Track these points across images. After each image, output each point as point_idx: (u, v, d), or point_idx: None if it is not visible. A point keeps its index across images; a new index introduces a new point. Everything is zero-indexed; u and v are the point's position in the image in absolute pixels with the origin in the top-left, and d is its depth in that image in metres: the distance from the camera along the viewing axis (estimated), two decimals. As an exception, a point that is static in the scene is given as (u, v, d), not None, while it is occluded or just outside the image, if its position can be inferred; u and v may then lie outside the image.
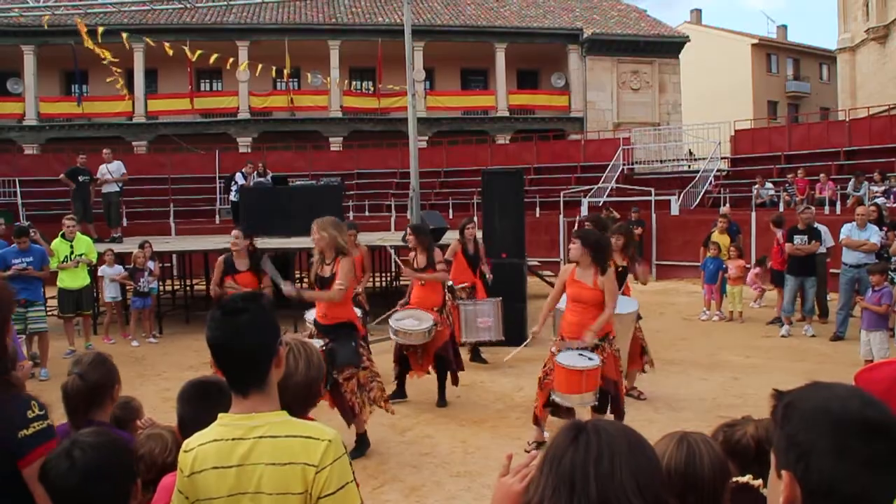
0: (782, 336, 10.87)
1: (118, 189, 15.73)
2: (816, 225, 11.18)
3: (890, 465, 1.25)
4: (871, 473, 1.25)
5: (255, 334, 2.01)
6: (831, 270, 11.86)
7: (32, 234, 9.91)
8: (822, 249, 11.25)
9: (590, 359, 5.64)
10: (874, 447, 1.26)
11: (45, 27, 17.67)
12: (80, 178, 15.23)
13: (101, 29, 16.62)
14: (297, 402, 2.31)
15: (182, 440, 2.13)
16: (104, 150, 16.07)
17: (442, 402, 7.42)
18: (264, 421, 1.97)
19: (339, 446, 1.99)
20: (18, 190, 21.91)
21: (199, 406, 2.35)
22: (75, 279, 10.27)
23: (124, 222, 17.84)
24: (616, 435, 1.40)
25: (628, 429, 1.45)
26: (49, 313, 10.74)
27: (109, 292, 11.57)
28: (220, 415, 2.03)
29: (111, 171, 15.36)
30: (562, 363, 5.59)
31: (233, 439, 1.96)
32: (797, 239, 10.91)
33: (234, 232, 7.52)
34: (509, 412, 7.21)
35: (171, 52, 17.95)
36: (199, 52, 17.92)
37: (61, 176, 15.65)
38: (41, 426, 2.15)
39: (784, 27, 51.25)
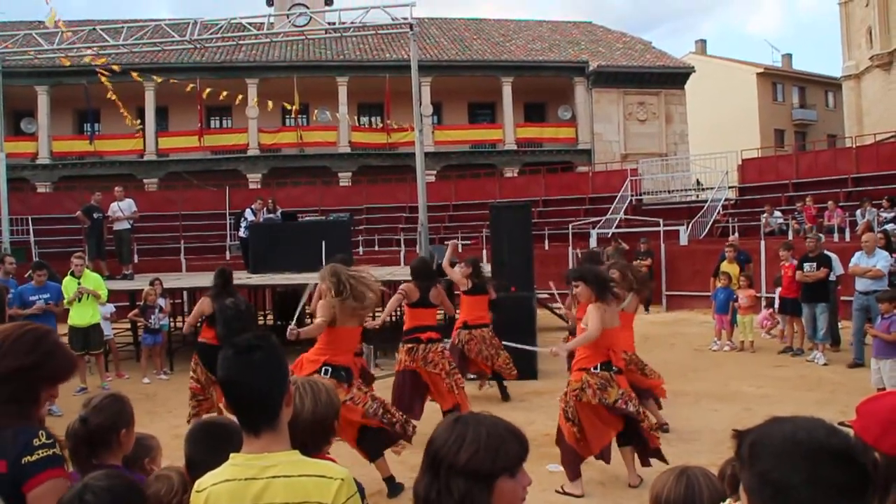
0: (808, 361, 10.87)
1: (130, 226, 15.87)
2: (826, 252, 11.17)
3: (860, 492, 1.30)
4: (846, 501, 1.28)
5: (266, 373, 2.02)
6: (842, 298, 11.83)
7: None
8: (832, 277, 11.22)
9: None
10: (845, 475, 1.30)
11: (66, 66, 17.97)
12: (95, 216, 15.39)
13: (117, 68, 16.91)
14: (310, 441, 2.32)
15: (190, 481, 2.14)
16: (116, 188, 16.25)
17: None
18: (277, 460, 1.98)
19: (352, 485, 2.00)
20: (31, 228, 22.10)
21: (207, 447, 2.36)
22: (83, 316, 10.27)
23: (135, 259, 17.95)
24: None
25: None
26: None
27: (104, 330, 11.47)
28: (231, 455, 2.03)
29: (122, 208, 15.52)
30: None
31: (245, 479, 1.96)
32: (806, 266, 10.90)
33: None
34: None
35: (189, 89, 18.24)
36: (208, 89, 18.13)
37: (77, 213, 15.80)
38: (46, 454, 2.16)
39: (789, 56, 51.48)
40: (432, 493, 1.67)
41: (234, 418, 2.17)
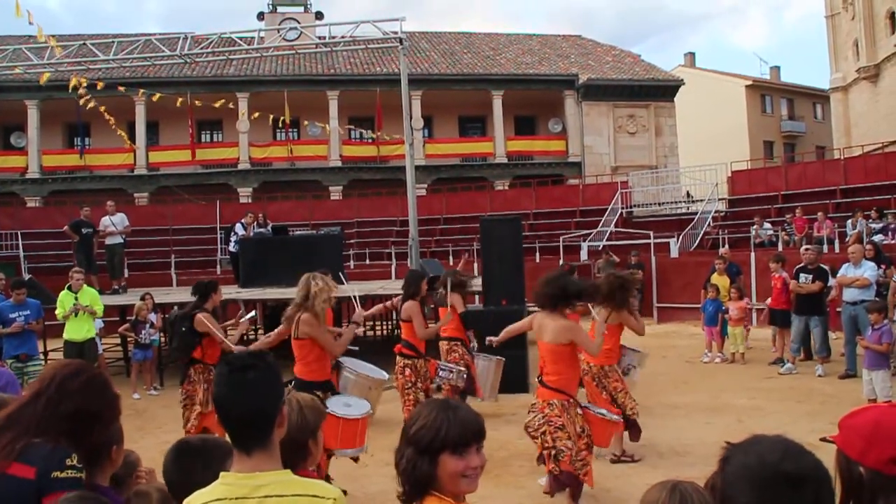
0: (780, 374, 10.87)
1: (122, 241, 15.82)
2: (823, 266, 11.21)
3: None
4: None
5: (261, 392, 2.01)
6: (837, 309, 11.87)
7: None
8: (832, 291, 11.25)
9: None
10: (793, 498, 1.33)
11: (43, 84, 17.95)
12: (84, 231, 15.34)
13: (100, 84, 16.89)
14: (287, 458, 2.31)
15: (171, 498, 2.13)
16: (108, 203, 16.21)
17: None
18: (268, 480, 1.96)
19: None
20: (21, 243, 22.00)
21: (182, 467, 2.35)
22: (79, 331, 10.22)
23: (126, 273, 17.87)
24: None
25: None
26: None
27: None
28: (221, 473, 2.01)
29: (115, 223, 15.48)
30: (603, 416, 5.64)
31: (237, 498, 1.94)
32: (802, 277, 10.94)
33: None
34: (513, 460, 7.15)
35: (178, 103, 18.23)
36: (197, 102, 18.14)
37: (65, 228, 15.75)
38: (74, 475, 2.21)
39: (777, 68, 51.85)
40: (397, 456, 2.03)
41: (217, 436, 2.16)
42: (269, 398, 2.03)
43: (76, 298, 10.25)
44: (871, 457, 1.67)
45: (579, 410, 5.58)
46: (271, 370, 2.06)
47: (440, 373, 7.24)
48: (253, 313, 7.24)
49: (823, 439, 1.85)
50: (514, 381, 9.20)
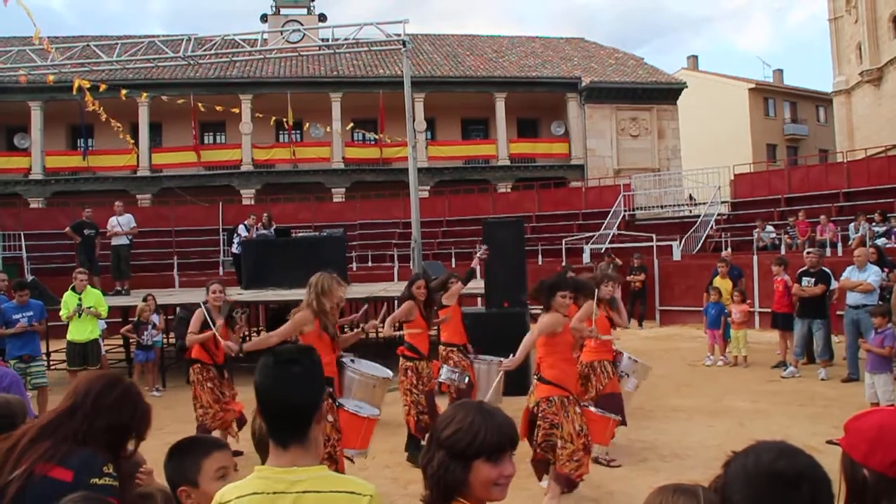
0: (783, 377, 10.86)
1: (128, 242, 15.81)
2: (825, 269, 11.19)
3: None
4: None
5: (304, 386, 2.03)
6: (837, 312, 11.86)
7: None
8: (835, 295, 11.24)
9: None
10: (788, 497, 1.35)
11: (50, 83, 17.99)
12: (86, 232, 15.35)
13: (102, 86, 16.92)
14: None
15: (173, 499, 2.14)
16: (116, 203, 16.22)
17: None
18: (306, 475, 1.96)
19: (380, 501, 2.00)
20: (24, 244, 22.03)
21: (176, 466, 2.37)
22: (82, 332, 10.24)
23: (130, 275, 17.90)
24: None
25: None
26: (58, 367, 10.78)
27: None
28: (257, 467, 2.03)
29: (122, 223, 15.48)
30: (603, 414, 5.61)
31: (273, 493, 1.94)
32: (805, 281, 10.92)
33: (216, 286, 7.57)
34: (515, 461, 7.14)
35: (180, 102, 18.23)
36: (201, 104, 18.17)
37: (67, 229, 15.77)
38: (109, 482, 2.25)
39: (780, 71, 51.89)
40: (425, 459, 1.94)
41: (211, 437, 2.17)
42: (310, 393, 2.06)
43: (80, 300, 10.26)
44: (875, 459, 1.68)
45: (578, 409, 5.57)
46: (315, 366, 2.09)
47: (443, 374, 7.21)
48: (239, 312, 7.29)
49: (830, 442, 1.86)
50: (514, 383, 9.17)
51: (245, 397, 7.24)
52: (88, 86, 16.92)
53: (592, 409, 5.71)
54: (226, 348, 6.87)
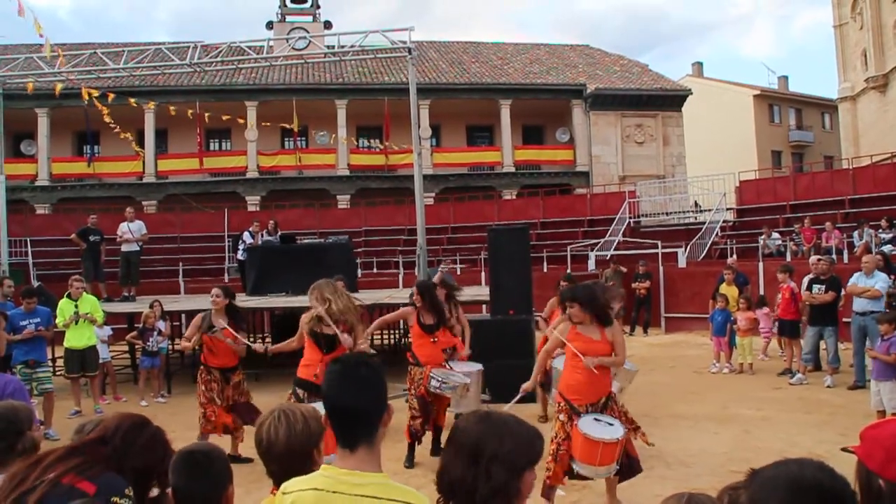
0: (791, 384, 10.82)
1: (138, 248, 15.84)
2: (835, 276, 11.16)
3: None
4: None
5: (370, 389, 2.08)
6: (844, 319, 11.83)
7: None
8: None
9: (609, 424, 5.37)
10: None
11: (57, 94, 18.06)
12: (91, 238, 15.38)
13: (111, 96, 16.98)
14: (285, 472, 2.31)
15: None
16: (127, 209, 16.28)
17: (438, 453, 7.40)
18: (368, 480, 2.00)
19: None
20: (30, 250, 22.10)
21: (190, 476, 2.37)
22: (80, 338, 10.25)
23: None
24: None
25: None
26: (57, 373, 10.79)
27: (100, 353, 11.18)
28: (323, 465, 2.09)
29: (132, 230, 15.50)
30: (586, 433, 5.25)
31: (333, 492, 1.99)
32: (815, 288, 10.88)
33: (215, 290, 7.74)
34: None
35: (189, 115, 18.29)
36: (207, 113, 18.21)
37: (72, 236, 15.81)
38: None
39: (785, 78, 51.78)
40: (468, 478, 1.91)
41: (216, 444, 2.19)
42: (377, 396, 2.10)
43: (76, 306, 10.28)
44: (891, 469, 1.66)
45: (563, 417, 5.52)
46: (379, 371, 2.13)
47: (431, 381, 7.21)
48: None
49: (845, 449, 1.84)
50: (518, 389, 9.15)
51: (264, 400, 7.33)
52: (97, 94, 17.01)
53: (582, 427, 5.42)
54: (236, 349, 7.41)
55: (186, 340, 7.59)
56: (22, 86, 18.82)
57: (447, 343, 7.69)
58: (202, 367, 7.57)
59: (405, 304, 8.04)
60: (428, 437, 7.53)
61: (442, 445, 7.28)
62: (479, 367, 8.02)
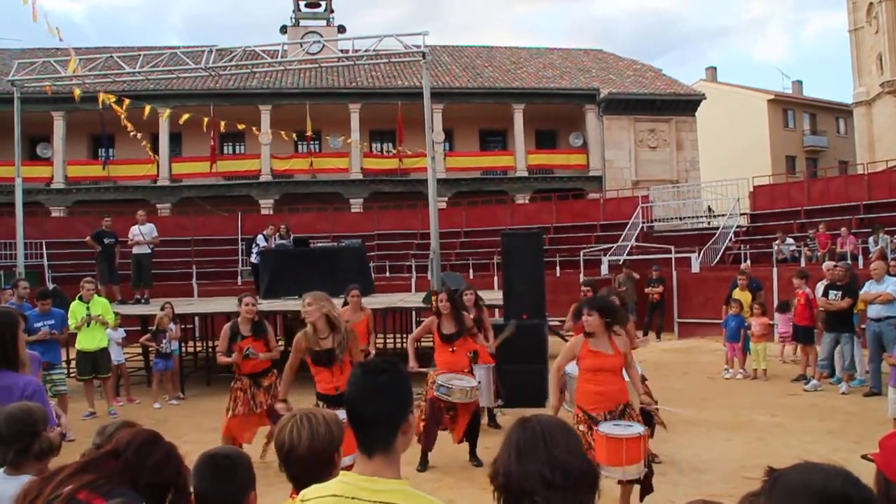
0: (805, 390, 10.76)
1: (150, 251, 15.91)
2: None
3: None
4: None
5: (391, 396, 2.05)
6: (861, 326, 11.75)
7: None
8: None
9: (629, 426, 5.34)
10: None
11: (77, 98, 18.19)
12: (106, 241, 15.47)
13: (126, 101, 17.09)
14: (306, 476, 2.31)
15: None
16: (139, 212, 16.35)
17: (476, 460, 7.39)
18: (388, 487, 1.97)
19: None
20: (45, 252, 22.25)
21: (213, 480, 2.38)
22: (91, 341, 10.33)
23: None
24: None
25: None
26: (70, 375, 10.86)
27: (114, 355, 11.34)
28: (341, 472, 2.07)
29: (143, 233, 15.58)
30: (608, 433, 5.24)
31: (353, 498, 1.96)
32: (832, 294, 10.81)
33: (249, 299, 7.74)
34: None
35: (204, 124, 18.36)
36: (223, 121, 18.32)
37: (87, 238, 15.91)
38: None
39: (799, 82, 51.58)
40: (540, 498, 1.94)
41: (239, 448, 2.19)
42: (398, 403, 2.07)
43: (88, 308, 10.34)
44: None
45: (583, 427, 5.49)
46: (403, 377, 2.11)
47: (436, 389, 7.22)
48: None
49: (864, 457, 1.82)
50: (532, 394, 9.15)
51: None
52: (114, 100, 17.13)
53: (602, 429, 5.44)
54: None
55: (222, 354, 7.64)
56: (38, 89, 18.99)
57: (467, 350, 7.71)
58: (234, 375, 7.67)
59: (417, 308, 8.07)
60: (439, 442, 7.52)
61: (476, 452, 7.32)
62: (487, 367, 8.30)
